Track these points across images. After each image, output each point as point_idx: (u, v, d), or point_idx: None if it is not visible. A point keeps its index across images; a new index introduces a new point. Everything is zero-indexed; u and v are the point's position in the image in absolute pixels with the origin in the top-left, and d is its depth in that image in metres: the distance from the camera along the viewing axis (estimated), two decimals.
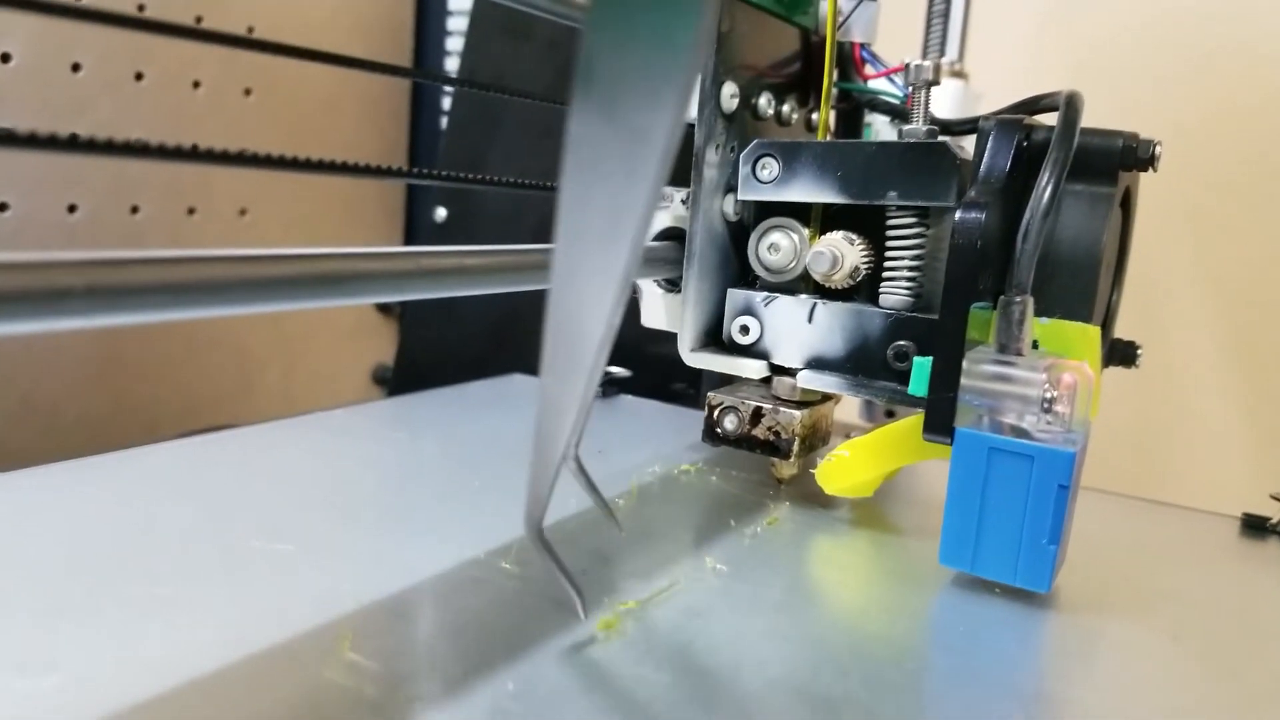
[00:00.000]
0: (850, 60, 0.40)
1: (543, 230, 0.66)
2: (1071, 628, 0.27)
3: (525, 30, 0.60)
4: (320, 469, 0.37)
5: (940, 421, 0.28)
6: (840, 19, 0.39)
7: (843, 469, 0.33)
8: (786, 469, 0.37)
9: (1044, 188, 0.28)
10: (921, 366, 0.29)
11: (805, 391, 0.35)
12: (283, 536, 0.29)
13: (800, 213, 0.35)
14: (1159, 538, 0.36)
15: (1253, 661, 0.26)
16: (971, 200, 0.28)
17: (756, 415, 0.35)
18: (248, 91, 0.61)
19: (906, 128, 0.34)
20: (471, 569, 0.27)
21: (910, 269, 0.33)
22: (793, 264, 0.35)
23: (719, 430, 0.36)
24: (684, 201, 0.35)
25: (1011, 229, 0.28)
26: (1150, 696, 0.24)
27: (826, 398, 0.37)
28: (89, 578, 0.25)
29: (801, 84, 0.39)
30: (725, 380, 0.37)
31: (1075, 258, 0.30)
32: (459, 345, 0.64)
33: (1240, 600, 0.30)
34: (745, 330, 0.36)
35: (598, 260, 0.19)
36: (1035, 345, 0.29)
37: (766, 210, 0.35)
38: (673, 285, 0.37)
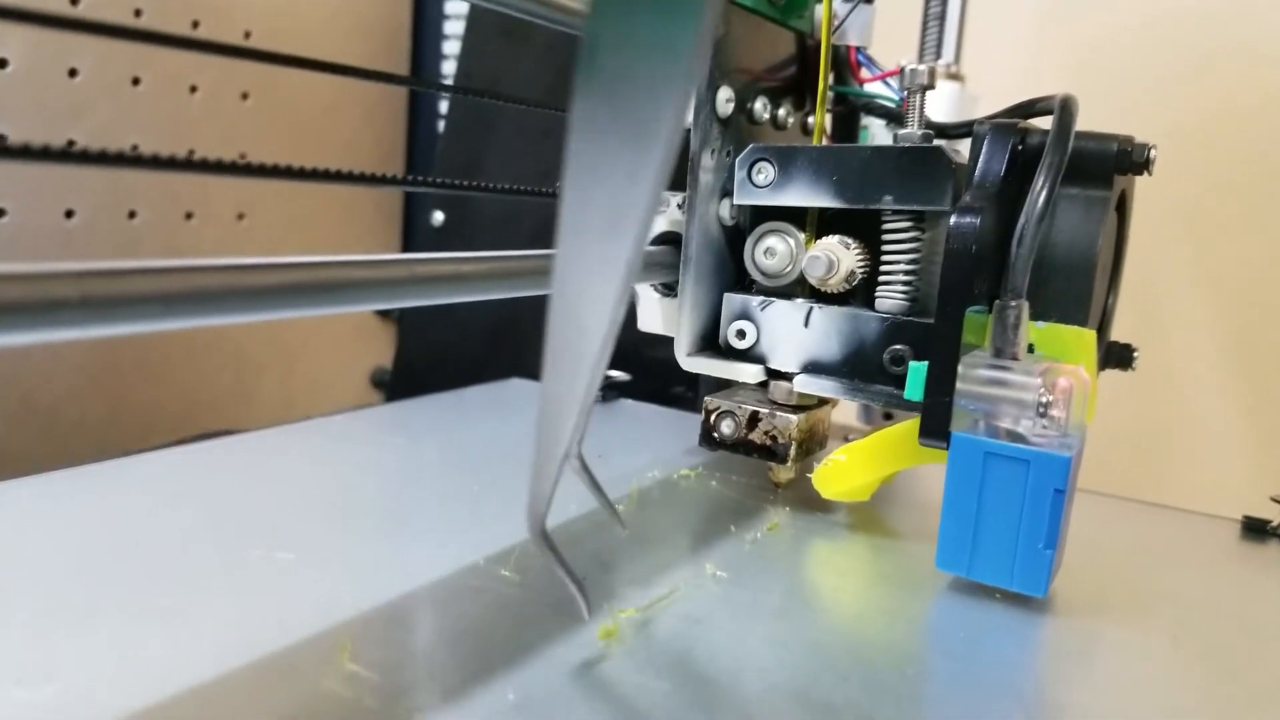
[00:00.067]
0: (846, 64, 0.40)
1: (540, 234, 0.66)
2: (1072, 631, 0.27)
3: (522, 33, 0.60)
4: (320, 475, 0.37)
5: (936, 426, 0.28)
6: (835, 23, 0.39)
7: (839, 473, 0.33)
8: (783, 473, 0.37)
9: (1039, 192, 0.28)
10: (917, 371, 0.29)
11: (802, 396, 0.35)
12: (282, 544, 0.29)
13: (796, 217, 0.35)
14: (1159, 541, 0.36)
15: (1254, 665, 0.26)
16: (966, 205, 0.28)
17: (753, 420, 0.35)
18: (245, 95, 0.61)
19: (901, 132, 0.34)
20: (471, 576, 0.27)
21: (906, 273, 0.33)
22: (789, 268, 0.35)
23: (716, 435, 0.36)
24: (680, 206, 0.35)
25: (1006, 233, 0.28)
26: (1151, 700, 0.24)
27: (823, 402, 0.37)
28: (88, 586, 0.25)
29: (797, 88, 0.39)
30: (722, 384, 0.37)
31: (1070, 261, 0.30)
32: (457, 349, 0.64)
33: (1241, 603, 0.30)
34: (742, 334, 0.36)
35: (600, 257, 0.18)
36: (1031, 349, 0.29)
37: (762, 214, 0.35)
38: (669, 289, 0.37)
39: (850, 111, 0.43)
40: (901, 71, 0.34)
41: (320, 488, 0.35)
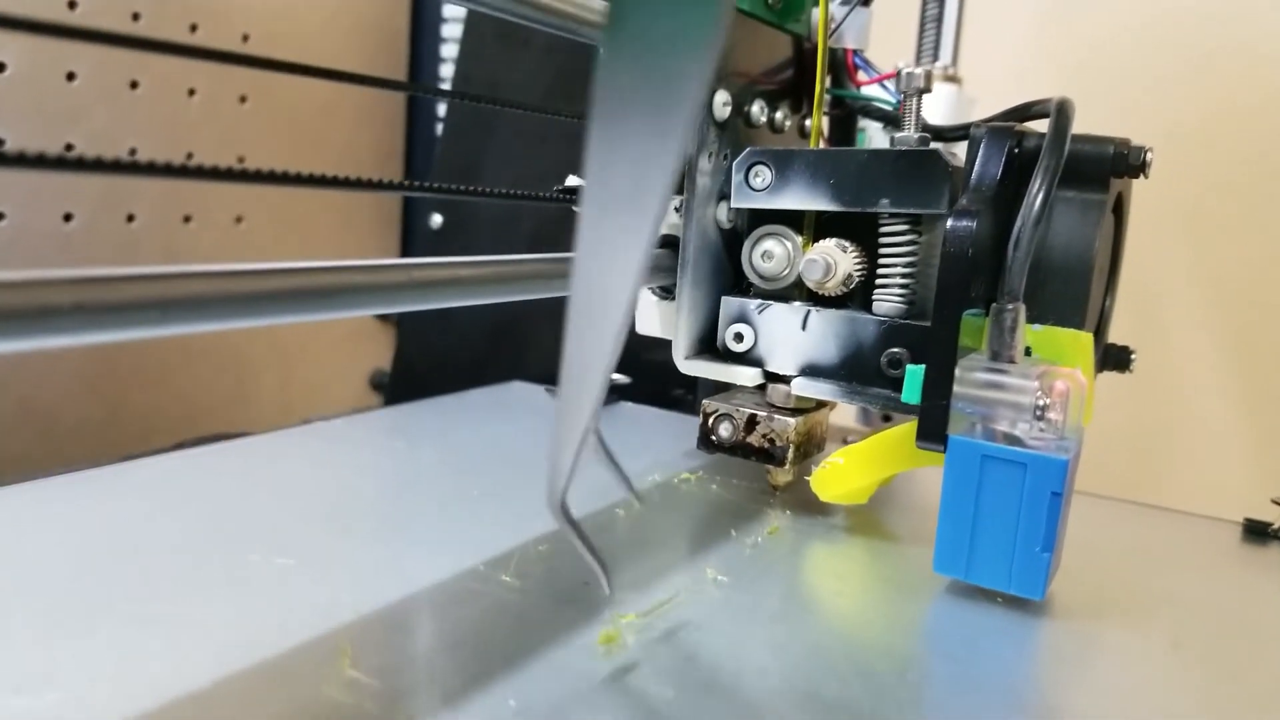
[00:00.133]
0: (843, 67, 0.40)
1: (539, 236, 0.66)
2: (1074, 634, 0.27)
3: (520, 37, 0.60)
4: (319, 479, 0.37)
5: (933, 429, 0.28)
6: (832, 25, 0.39)
7: (837, 476, 0.33)
8: (782, 476, 0.37)
9: (1035, 195, 0.28)
10: (914, 374, 0.29)
11: (800, 399, 0.35)
12: (282, 549, 0.29)
13: (793, 220, 0.35)
14: (1159, 543, 0.36)
15: (1255, 668, 0.26)
16: (963, 208, 0.28)
17: (751, 423, 0.35)
18: (243, 99, 0.61)
19: (898, 135, 0.34)
20: (471, 581, 0.27)
21: (903, 276, 0.33)
22: (786, 271, 0.35)
23: (714, 438, 0.36)
24: (677, 209, 0.35)
25: (1003, 236, 0.28)
26: (1150, 702, 0.24)
27: (821, 404, 0.37)
28: (87, 592, 0.25)
29: (794, 91, 0.39)
30: (721, 387, 0.37)
31: (1067, 264, 0.30)
32: (456, 351, 0.64)
33: (1242, 606, 0.30)
34: (739, 338, 0.36)
35: (623, 222, 0.18)
36: (1028, 352, 0.29)
37: (760, 218, 0.35)
38: (667, 292, 0.37)
39: (847, 114, 0.43)
40: (898, 74, 0.34)
41: (320, 492, 0.35)
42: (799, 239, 0.35)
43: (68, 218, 0.52)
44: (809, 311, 0.34)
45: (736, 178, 0.35)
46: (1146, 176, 0.30)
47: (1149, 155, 0.29)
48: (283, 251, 0.65)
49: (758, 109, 0.36)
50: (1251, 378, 0.71)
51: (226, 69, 0.58)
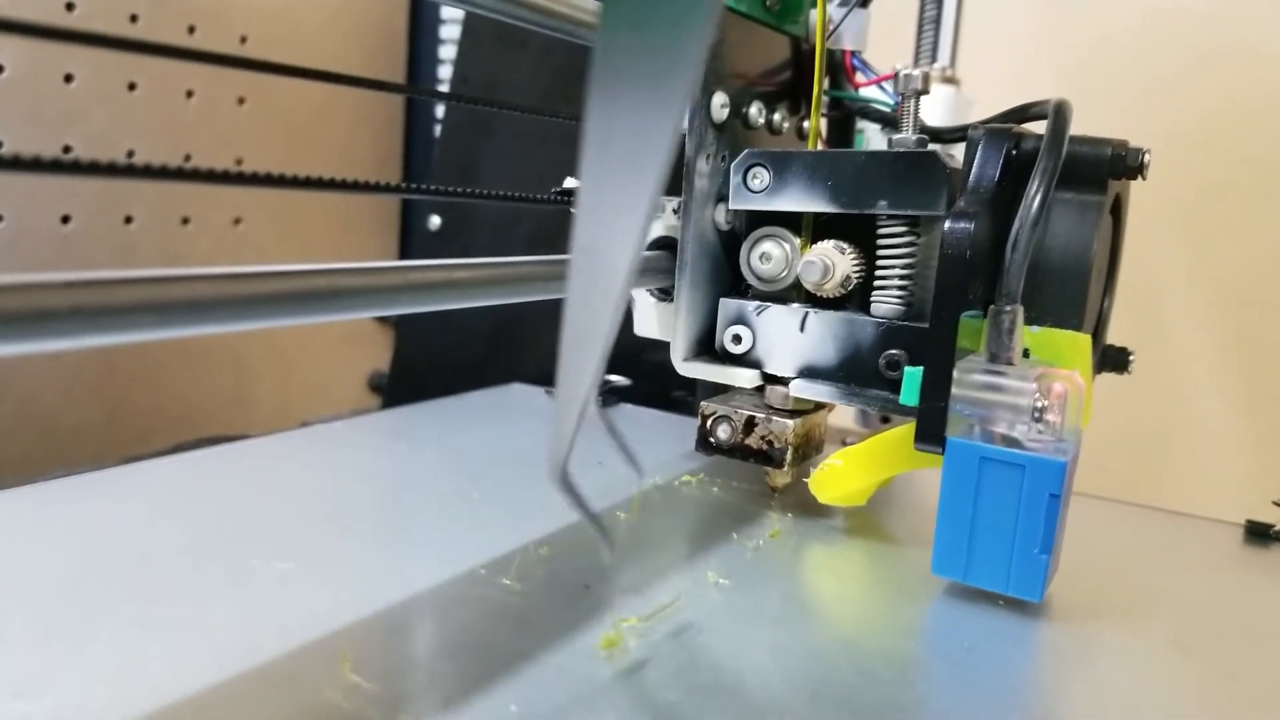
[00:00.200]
0: (841, 68, 0.40)
1: (537, 236, 0.66)
2: (1075, 636, 0.27)
3: (518, 39, 0.60)
4: (320, 482, 0.37)
5: (931, 431, 0.28)
6: (830, 27, 0.39)
7: (835, 478, 0.33)
8: (780, 478, 0.37)
9: (1033, 197, 0.28)
10: (912, 376, 0.29)
11: (798, 400, 0.35)
12: (282, 553, 0.29)
13: (792, 222, 0.35)
14: (1161, 545, 0.36)
15: (1259, 671, 0.26)
16: (960, 210, 0.28)
17: (749, 424, 0.35)
18: (241, 100, 0.61)
19: (896, 137, 0.34)
20: (473, 585, 0.27)
21: (901, 278, 0.33)
22: (784, 273, 0.35)
23: (712, 440, 0.36)
24: (675, 211, 0.35)
25: (1001, 238, 0.28)
26: (1153, 704, 0.24)
27: (819, 406, 0.37)
28: (87, 596, 0.25)
29: (792, 92, 0.39)
30: (719, 389, 0.37)
31: (1065, 266, 0.30)
32: (455, 353, 0.63)
33: (1245, 609, 0.30)
34: (738, 339, 0.36)
35: (624, 186, 0.18)
36: (1026, 354, 0.29)
37: (758, 219, 0.35)
38: (665, 294, 0.37)
39: (845, 116, 0.43)
40: (896, 76, 0.34)
41: (320, 495, 0.35)
42: (797, 241, 0.35)
43: (66, 220, 0.52)
44: (807, 313, 0.34)
45: (734, 179, 0.35)
46: (1144, 178, 0.30)
47: (1147, 156, 0.29)
48: (281, 253, 0.65)
49: (756, 111, 0.36)
50: (1251, 378, 0.71)
51: (225, 71, 0.58)
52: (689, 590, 0.28)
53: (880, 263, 0.33)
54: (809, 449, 0.37)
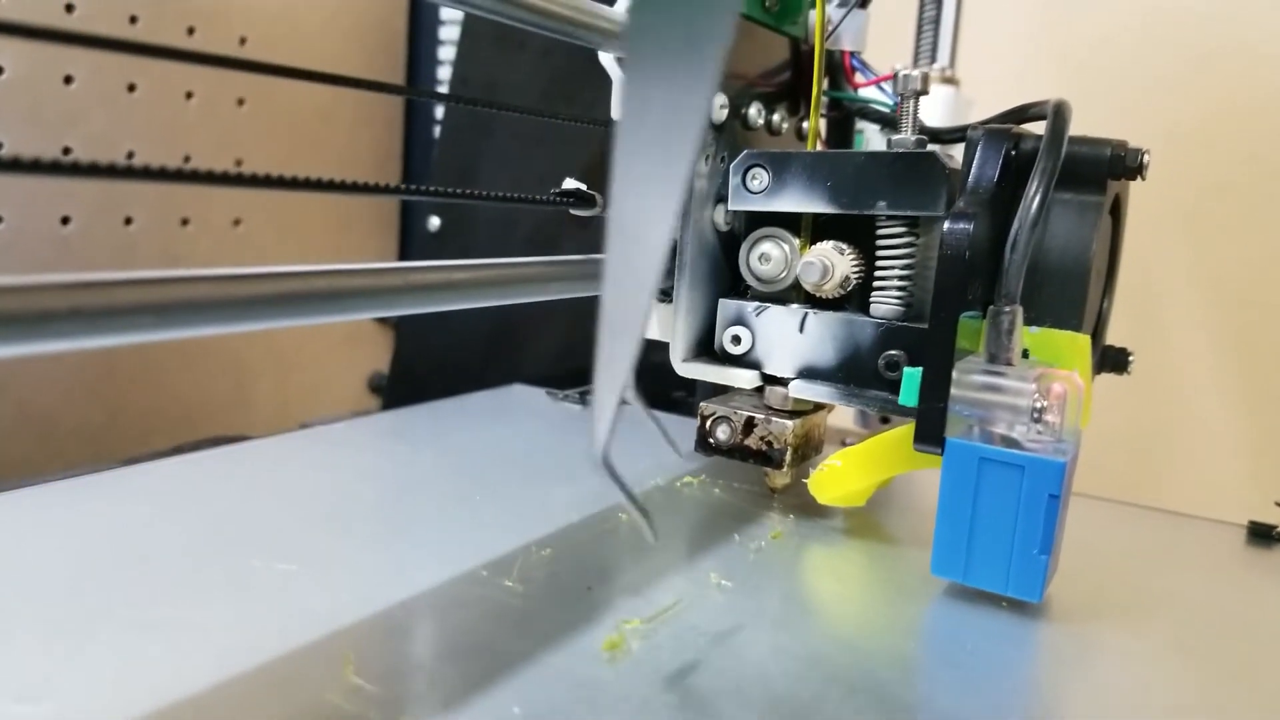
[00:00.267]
0: (840, 69, 0.40)
1: (536, 237, 0.65)
2: (1076, 638, 0.27)
3: (517, 40, 0.60)
4: (321, 484, 0.37)
5: (931, 432, 0.28)
6: (829, 28, 0.39)
7: (835, 479, 0.33)
8: (779, 479, 0.37)
9: (1032, 197, 0.28)
10: (912, 377, 0.29)
11: (797, 401, 0.35)
12: (284, 555, 0.29)
13: (791, 223, 0.35)
14: (1163, 546, 0.36)
15: (1262, 672, 0.26)
16: (959, 210, 0.28)
17: (749, 425, 0.35)
18: (241, 101, 0.61)
19: (895, 137, 0.34)
20: (475, 587, 0.27)
21: (900, 278, 0.33)
22: (783, 274, 0.35)
23: (711, 440, 0.36)
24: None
25: (1000, 238, 0.28)
26: (1157, 706, 0.24)
27: (819, 407, 0.37)
28: (88, 598, 0.25)
29: (791, 93, 0.39)
30: (718, 390, 0.37)
31: (1064, 267, 0.30)
32: (454, 353, 0.64)
33: (1248, 610, 0.30)
34: (737, 340, 0.36)
35: (658, 167, 0.18)
36: (1025, 354, 0.29)
37: (757, 220, 0.35)
38: (665, 295, 0.37)
39: (845, 117, 0.43)
40: (896, 76, 0.34)
41: (322, 496, 0.35)
42: (796, 241, 0.35)
43: (65, 221, 0.52)
44: (806, 314, 0.34)
45: (734, 180, 0.35)
46: (1144, 178, 0.30)
47: (1146, 157, 0.30)
48: (281, 254, 0.65)
49: (755, 111, 0.37)
50: (1251, 378, 0.71)
51: (224, 73, 0.58)
52: (691, 592, 0.28)
53: (879, 263, 0.33)
54: (808, 450, 0.37)
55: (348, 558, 0.29)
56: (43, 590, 0.26)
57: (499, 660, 0.23)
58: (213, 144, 0.59)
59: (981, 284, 0.29)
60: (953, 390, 0.27)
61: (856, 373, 0.33)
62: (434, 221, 0.62)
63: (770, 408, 0.35)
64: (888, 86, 0.40)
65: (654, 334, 0.38)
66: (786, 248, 0.35)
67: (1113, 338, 0.36)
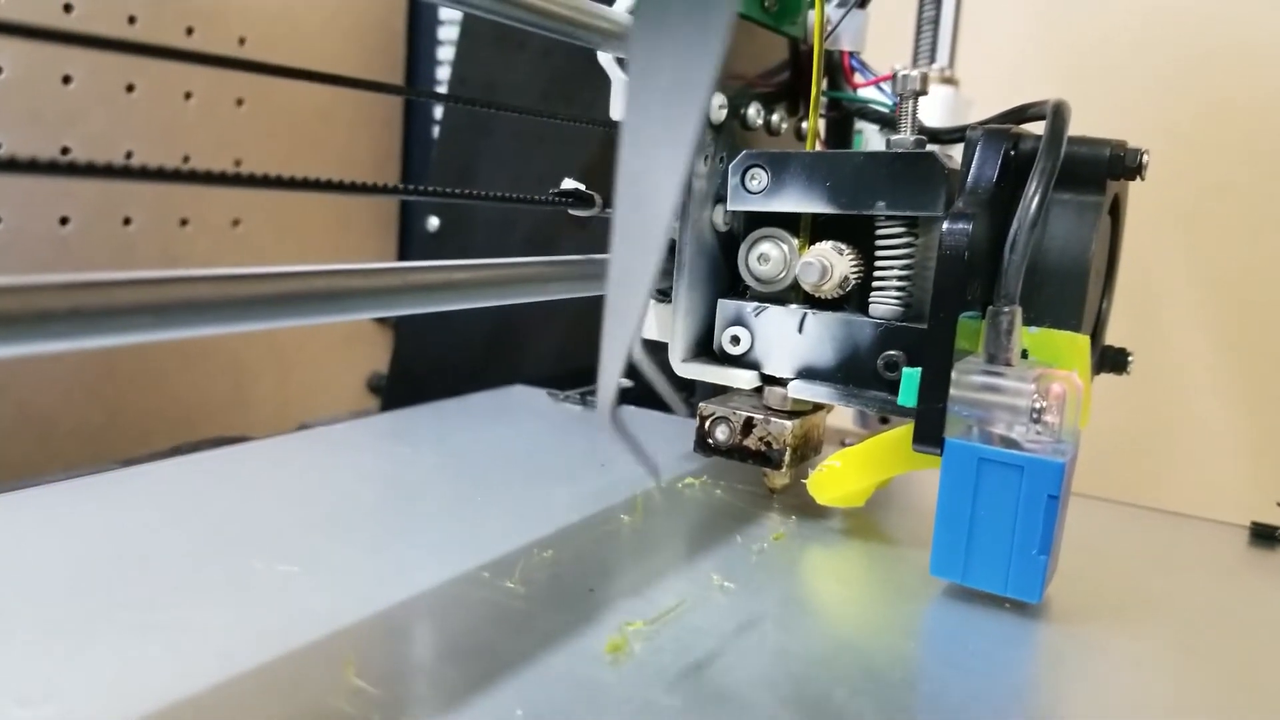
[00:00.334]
0: (839, 69, 0.40)
1: (535, 237, 0.65)
2: (1079, 640, 0.27)
3: (516, 40, 0.60)
4: (323, 485, 0.37)
5: (930, 432, 0.28)
6: (828, 28, 0.39)
7: (834, 479, 0.33)
8: (778, 479, 0.37)
9: (1031, 197, 0.28)
10: (910, 377, 0.29)
11: (796, 401, 0.35)
12: (285, 557, 0.28)
13: (790, 223, 0.35)
14: (1164, 546, 0.36)
15: (1265, 674, 0.26)
16: (958, 211, 0.28)
17: (748, 425, 0.35)
18: (240, 102, 0.61)
19: (894, 137, 0.34)
20: (477, 588, 0.27)
21: (899, 279, 0.33)
22: (782, 274, 0.35)
23: (710, 441, 0.36)
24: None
25: (999, 239, 0.28)
26: (1158, 707, 0.24)
27: (818, 407, 0.37)
28: (89, 600, 0.25)
29: (790, 93, 0.39)
30: (718, 390, 0.37)
31: (1063, 267, 0.30)
32: (454, 354, 0.64)
33: (1251, 611, 0.30)
34: (736, 340, 0.36)
35: (666, 125, 0.18)
36: (1024, 355, 0.29)
37: (756, 220, 0.35)
38: (663, 295, 0.37)
39: (844, 117, 0.43)
40: (895, 76, 0.34)
41: (323, 498, 0.35)
42: (795, 242, 0.35)
43: (64, 221, 0.52)
44: (805, 314, 0.34)
45: (732, 180, 0.35)
46: (1143, 178, 0.30)
47: (1145, 157, 0.30)
48: (280, 254, 0.65)
49: (754, 111, 0.36)
50: (1250, 378, 0.71)
51: (223, 73, 0.58)
52: (693, 594, 0.28)
53: (878, 264, 0.33)
54: (807, 450, 0.37)
55: (349, 559, 0.29)
56: (43, 592, 0.25)
57: (501, 662, 0.23)
58: (212, 144, 0.59)
59: (981, 284, 0.29)
60: (952, 391, 0.27)
61: (855, 373, 0.33)
62: (433, 222, 0.62)
63: (769, 408, 0.35)
64: (887, 86, 0.40)
65: (653, 334, 0.38)
66: (785, 248, 0.35)
67: (1112, 338, 0.36)
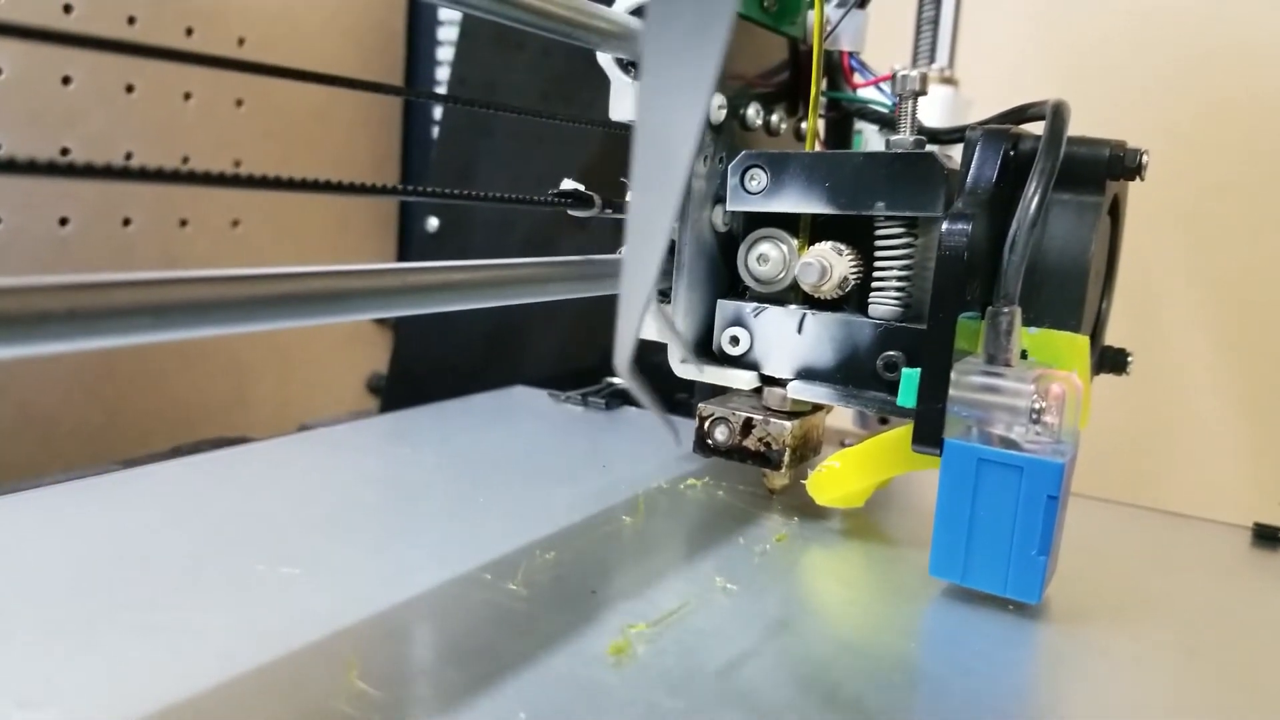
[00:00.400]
0: (839, 69, 0.40)
1: (534, 238, 0.65)
2: (1079, 641, 0.27)
3: (516, 40, 0.60)
4: (323, 486, 0.37)
5: (929, 433, 0.28)
6: (828, 28, 0.39)
7: (833, 480, 0.33)
8: (778, 480, 0.37)
9: (1031, 198, 0.28)
10: (910, 378, 0.29)
11: (796, 402, 0.35)
12: (286, 558, 0.28)
13: (789, 223, 0.35)
14: (1166, 547, 0.36)
15: (1267, 676, 0.26)
16: (958, 211, 0.28)
17: (747, 426, 0.35)
18: (239, 102, 0.61)
19: (894, 138, 0.34)
20: (479, 590, 0.27)
21: (899, 279, 0.33)
22: (782, 275, 0.35)
23: (710, 441, 0.36)
24: None
25: (999, 239, 0.28)
26: (1159, 708, 0.24)
27: (817, 408, 0.37)
28: (90, 602, 0.25)
29: (790, 93, 0.39)
30: (717, 390, 0.37)
31: (1063, 267, 0.30)
32: (454, 354, 0.63)
33: (1254, 612, 0.30)
34: (735, 341, 0.36)
35: (683, 72, 0.18)
36: (1024, 355, 0.29)
37: (755, 221, 0.35)
38: (663, 296, 0.37)
39: (843, 117, 0.43)
40: (894, 77, 0.34)
41: (324, 499, 0.35)
42: (794, 242, 0.35)
43: (64, 222, 0.52)
44: (805, 315, 0.34)
45: (732, 181, 0.35)
46: (1143, 179, 0.30)
47: (1145, 157, 0.30)
48: (280, 255, 0.65)
49: (753, 112, 0.37)
50: (1250, 378, 0.71)
51: (222, 74, 0.58)
52: (696, 595, 0.28)
53: (878, 264, 0.33)
54: (807, 450, 0.37)
55: (350, 560, 0.29)
56: (44, 593, 0.25)
57: (503, 664, 0.23)
58: (211, 145, 0.59)
59: (980, 284, 0.29)
60: (951, 391, 0.27)
61: (855, 373, 0.33)
62: (432, 222, 0.62)
63: (769, 408, 0.35)
64: (886, 87, 0.40)
65: (652, 335, 0.38)
66: (785, 248, 0.35)
67: (1112, 338, 0.36)
